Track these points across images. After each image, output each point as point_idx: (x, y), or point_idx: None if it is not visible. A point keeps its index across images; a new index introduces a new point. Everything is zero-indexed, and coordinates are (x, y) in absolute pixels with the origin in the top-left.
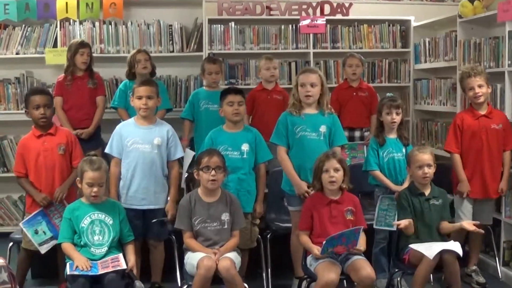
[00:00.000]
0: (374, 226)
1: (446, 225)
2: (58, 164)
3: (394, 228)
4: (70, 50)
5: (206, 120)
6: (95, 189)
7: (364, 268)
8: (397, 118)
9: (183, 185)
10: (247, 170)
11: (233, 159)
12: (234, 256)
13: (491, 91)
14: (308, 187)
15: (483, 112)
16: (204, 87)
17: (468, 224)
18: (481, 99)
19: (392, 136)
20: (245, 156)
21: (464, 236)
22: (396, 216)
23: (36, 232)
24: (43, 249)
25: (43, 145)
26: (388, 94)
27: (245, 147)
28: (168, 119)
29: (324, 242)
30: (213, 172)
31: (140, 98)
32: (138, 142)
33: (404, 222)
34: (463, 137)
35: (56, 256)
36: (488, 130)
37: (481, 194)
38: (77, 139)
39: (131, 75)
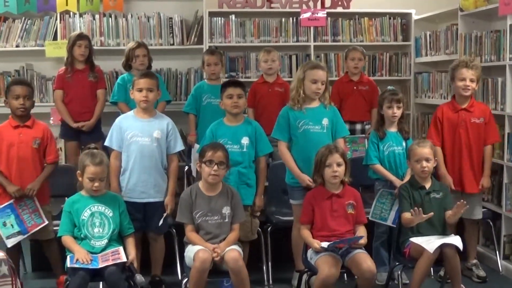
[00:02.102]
0: (369, 218)
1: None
2: (31, 157)
3: (387, 223)
4: (69, 42)
5: (209, 114)
6: (96, 184)
7: (365, 262)
8: (398, 112)
9: (194, 173)
10: (247, 163)
11: (233, 153)
12: (236, 249)
13: (479, 87)
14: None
15: (463, 105)
16: (205, 80)
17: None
18: (468, 93)
19: (393, 129)
20: (245, 149)
21: (455, 229)
22: (394, 211)
23: (4, 225)
24: (10, 243)
25: (19, 136)
26: (389, 87)
27: (245, 140)
28: (169, 112)
29: (328, 244)
30: (215, 167)
31: (140, 90)
32: (137, 135)
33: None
34: (443, 129)
35: (51, 250)
36: (468, 124)
37: (463, 187)
38: (53, 135)
39: (127, 67)
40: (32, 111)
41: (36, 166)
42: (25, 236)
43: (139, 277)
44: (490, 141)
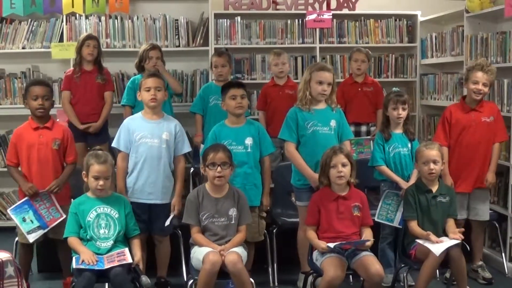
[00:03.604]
0: (375, 219)
1: (449, 225)
2: (51, 159)
3: (394, 224)
4: (78, 43)
5: (215, 115)
6: (101, 182)
7: (373, 265)
8: (403, 113)
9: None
10: (253, 164)
11: (238, 154)
12: (240, 251)
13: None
14: None
15: (473, 106)
16: (213, 81)
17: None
18: (479, 97)
19: (398, 131)
20: (249, 150)
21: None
22: (400, 212)
23: (24, 220)
24: (31, 238)
25: (39, 138)
26: (394, 88)
27: (249, 141)
28: (176, 114)
29: (334, 245)
30: (219, 169)
31: (148, 90)
32: (146, 137)
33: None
34: (452, 130)
35: (64, 250)
36: (479, 124)
37: (471, 187)
38: (73, 136)
39: (140, 68)
40: None
41: (57, 167)
42: (46, 230)
43: (144, 279)
44: (498, 139)
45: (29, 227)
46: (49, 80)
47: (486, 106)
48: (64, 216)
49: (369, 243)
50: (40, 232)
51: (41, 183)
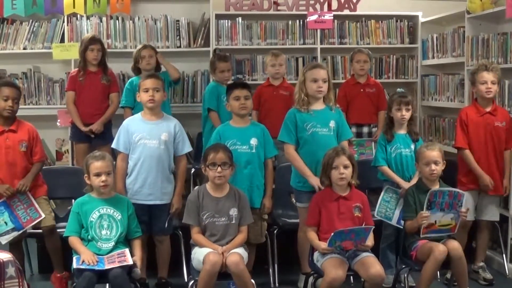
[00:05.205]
0: (375, 214)
1: None
2: (20, 160)
3: (392, 222)
4: (81, 46)
5: (230, 113)
6: (103, 177)
7: (374, 266)
8: (407, 114)
9: None
10: (257, 165)
11: (242, 153)
12: (241, 251)
13: (498, 90)
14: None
15: (487, 109)
16: (217, 83)
17: None
18: (491, 95)
19: (402, 132)
20: (253, 150)
21: (467, 232)
22: (398, 211)
23: None
24: (3, 240)
25: (5, 142)
26: (398, 89)
27: (253, 141)
28: (176, 115)
29: (332, 234)
30: (219, 169)
31: (147, 91)
32: (145, 138)
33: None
34: (468, 132)
35: (52, 240)
36: (492, 127)
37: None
38: (39, 135)
39: (136, 70)
40: (39, 113)
41: (27, 168)
42: (20, 232)
43: (135, 270)
44: (511, 146)
45: (1, 229)
46: (50, 81)
47: (500, 111)
48: (43, 216)
49: (369, 243)
50: (14, 234)
51: (11, 185)
